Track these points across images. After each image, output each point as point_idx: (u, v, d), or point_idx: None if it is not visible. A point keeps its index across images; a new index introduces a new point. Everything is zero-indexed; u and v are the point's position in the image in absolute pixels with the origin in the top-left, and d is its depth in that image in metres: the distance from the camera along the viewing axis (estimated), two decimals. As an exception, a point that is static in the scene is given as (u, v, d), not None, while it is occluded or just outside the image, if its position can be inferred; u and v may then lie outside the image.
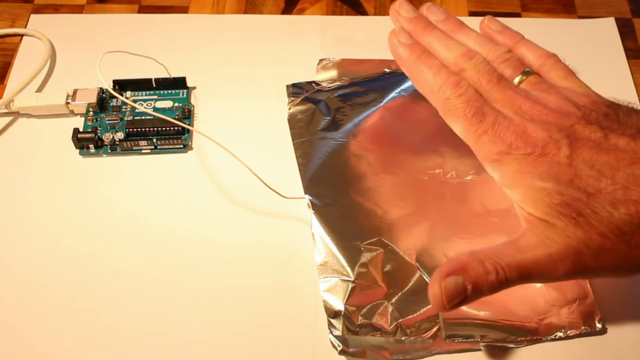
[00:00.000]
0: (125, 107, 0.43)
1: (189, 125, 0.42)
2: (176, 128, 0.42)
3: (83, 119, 0.43)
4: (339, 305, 0.35)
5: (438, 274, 0.29)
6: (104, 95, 0.44)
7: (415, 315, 0.35)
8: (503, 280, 0.28)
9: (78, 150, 0.42)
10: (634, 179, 0.28)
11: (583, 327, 0.34)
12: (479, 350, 0.34)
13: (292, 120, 0.43)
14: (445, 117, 0.33)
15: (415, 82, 0.34)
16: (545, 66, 0.34)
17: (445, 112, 0.32)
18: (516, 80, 0.33)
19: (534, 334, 0.34)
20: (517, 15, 0.50)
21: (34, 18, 0.49)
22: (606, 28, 0.48)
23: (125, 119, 0.43)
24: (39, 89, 0.45)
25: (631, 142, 0.29)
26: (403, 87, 0.44)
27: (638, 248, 0.28)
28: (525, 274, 0.28)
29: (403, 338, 0.34)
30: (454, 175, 0.39)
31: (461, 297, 0.28)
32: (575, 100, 0.31)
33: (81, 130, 0.42)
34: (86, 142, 0.41)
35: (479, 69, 0.33)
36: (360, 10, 0.50)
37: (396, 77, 0.44)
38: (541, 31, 0.48)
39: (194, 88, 0.45)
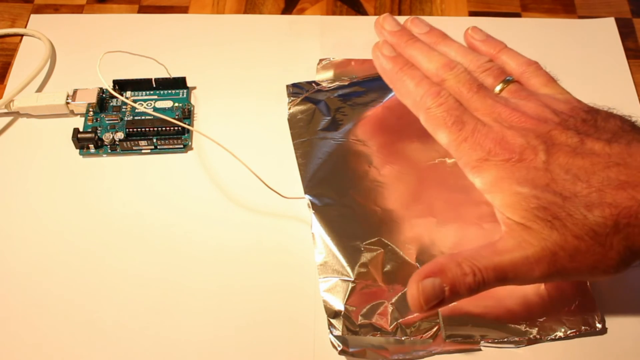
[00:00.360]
0: (125, 107, 0.43)
1: (189, 125, 0.42)
2: (176, 128, 0.42)
3: (83, 119, 0.43)
4: (339, 305, 0.35)
5: (416, 275, 0.29)
6: (104, 95, 0.44)
7: (415, 315, 0.34)
8: (480, 281, 0.29)
9: (78, 150, 0.42)
10: (608, 182, 0.29)
11: (583, 327, 0.34)
12: (479, 350, 0.34)
13: (292, 120, 0.43)
14: (427, 127, 0.33)
15: (398, 93, 0.35)
16: (527, 73, 0.35)
17: (427, 121, 0.33)
18: (497, 88, 0.34)
19: (534, 334, 0.34)
20: (517, 15, 0.50)
21: (34, 18, 0.49)
22: (606, 28, 0.48)
23: (125, 119, 0.43)
24: (39, 89, 0.45)
25: (606, 146, 0.30)
26: (403, 87, 0.44)
27: (612, 249, 0.28)
28: (502, 276, 0.29)
29: (403, 338, 0.34)
30: (454, 175, 0.39)
31: (439, 298, 0.29)
32: (554, 107, 0.32)
33: (81, 130, 0.42)
34: (86, 142, 0.41)
35: (459, 78, 0.34)
36: (360, 10, 0.50)
37: (396, 77, 0.44)
38: (541, 31, 0.48)
39: (194, 88, 0.45)
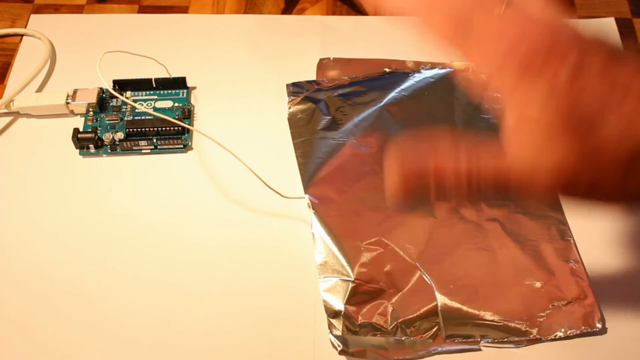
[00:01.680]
0: (125, 107, 0.43)
1: (189, 125, 0.42)
2: (176, 128, 0.42)
3: (83, 119, 0.43)
4: (339, 305, 0.35)
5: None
6: (104, 95, 0.44)
7: (415, 315, 0.34)
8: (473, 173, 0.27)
9: (78, 150, 0.42)
10: (636, 114, 0.27)
11: (583, 327, 0.34)
12: (479, 350, 0.34)
13: (292, 119, 0.43)
14: None
15: None
16: None
17: None
18: None
19: (534, 334, 0.34)
20: (517, 15, 0.50)
21: (34, 18, 0.49)
22: (606, 28, 0.48)
23: (125, 119, 0.43)
24: (39, 89, 0.45)
25: (636, 76, 0.28)
26: (403, 87, 0.44)
27: (632, 180, 0.27)
28: (503, 185, 0.28)
29: (403, 338, 0.34)
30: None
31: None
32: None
33: (81, 130, 0.42)
34: (86, 142, 0.41)
35: None
36: (360, 10, 0.50)
37: (396, 76, 0.44)
38: (541, 31, 0.48)
39: (194, 88, 0.45)
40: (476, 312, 0.34)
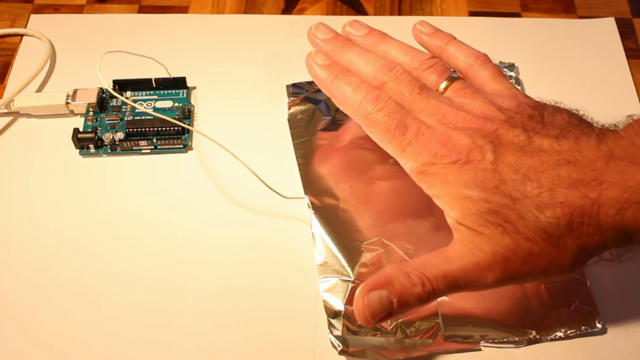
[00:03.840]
0: (125, 107, 0.43)
1: (189, 125, 0.42)
2: (176, 128, 0.42)
3: (83, 119, 0.43)
4: (339, 305, 0.35)
5: (363, 288, 0.28)
6: (104, 95, 0.44)
7: (415, 315, 0.35)
8: (430, 291, 0.28)
9: (78, 150, 0.42)
10: (559, 180, 0.27)
11: (583, 327, 0.34)
12: (479, 350, 0.34)
13: (292, 120, 0.43)
14: (369, 132, 0.32)
15: (336, 101, 0.34)
16: (474, 66, 0.34)
17: (368, 127, 0.32)
18: (442, 86, 0.33)
19: (534, 334, 0.34)
20: (517, 15, 0.50)
21: (34, 18, 0.49)
22: (606, 28, 0.48)
23: (125, 119, 0.43)
24: (39, 89, 0.45)
25: (555, 143, 0.28)
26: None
27: (567, 250, 0.27)
28: (452, 284, 0.28)
29: (403, 338, 0.34)
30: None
31: (387, 311, 0.28)
32: (500, 104, 0.31)
33: (81, 130, 0.42)
34: (86, 142, 0.41)
35: (400, 80, 0.32)
36: (360, 10, 0.50)
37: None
38: (541, 31, 0.48)
39: (194, 88, 0.45)
40: (476, 312, 0.34)
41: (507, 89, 0.33)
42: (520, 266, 0.28)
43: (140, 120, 0.42)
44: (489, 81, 0.33)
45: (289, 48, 0.47)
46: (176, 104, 0.44)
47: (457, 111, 0.31)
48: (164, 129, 0.41)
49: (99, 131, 0.42)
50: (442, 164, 0.29)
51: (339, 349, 0.33)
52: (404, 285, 0.28)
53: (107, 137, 0.41)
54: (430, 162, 0.29)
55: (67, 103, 0.43)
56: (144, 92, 0.44)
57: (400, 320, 0.34)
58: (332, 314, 0.35)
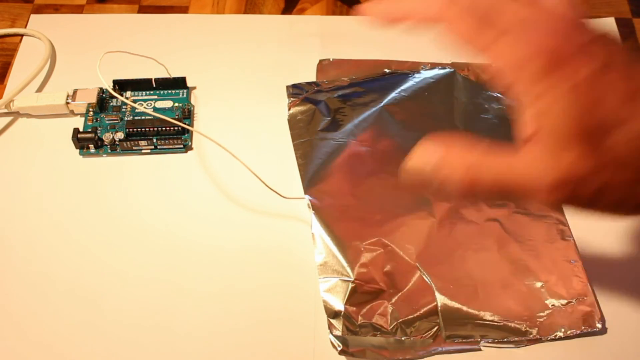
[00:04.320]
0: (125, 107, 0.43)
1: (189, 125, 0.42)
2: (176, 128, 0.42)
3: (83, 119, 0.43)
4: (339, 305, 0.35)
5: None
6: (104, 95, 0.44)
7: (415, 315, 0.35)
8: (475, 192, 0.27)
9: (78, 150, 0.42)
10: None
11: (583, 327, 0.34)
12: (479, 350, 0.34)
13: (292, 120, 0.43)
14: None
15: None
16: None
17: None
18: None
19: (534, 334, 0.34)
20: (517, 15, 0.50)
21: (34, 18, 0.49)
22: (606, 28, 0.48)
23: (125, 119, 0.43)
24: (39, 89, 0.45)
25: None
26: (403, 87, 0.44)
27: (638, 193, 0.26)
28: (505, 193, 0.27)
29: (403, 338, 0.34)
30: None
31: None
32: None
33: (81, 130, 0.42)
34: (86, 142, 0.41)
35: None
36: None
37: (396, 77, 0.44)
38: (541, 31, 0.48)
39: (194, 88, 0.45)
40: (476, 312, 0.34)
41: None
42: (593, 194, 0.26)
43: (140, 120, 0.42)
44: None
45: (289, 48, 0.47)
46: (176, 104, 0.44)
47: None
48: (164, 129, 0.41)
49: (99, 131, 0.42)
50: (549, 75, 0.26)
51: (339, 349, 0.33)
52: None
53: (107, 137, 0.41)
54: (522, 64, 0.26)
55: (67, 103, 0.43)
56: (144, 92, 0.44)
57: (400, 320, 0.34)
58: (332, 314, 0.35)
